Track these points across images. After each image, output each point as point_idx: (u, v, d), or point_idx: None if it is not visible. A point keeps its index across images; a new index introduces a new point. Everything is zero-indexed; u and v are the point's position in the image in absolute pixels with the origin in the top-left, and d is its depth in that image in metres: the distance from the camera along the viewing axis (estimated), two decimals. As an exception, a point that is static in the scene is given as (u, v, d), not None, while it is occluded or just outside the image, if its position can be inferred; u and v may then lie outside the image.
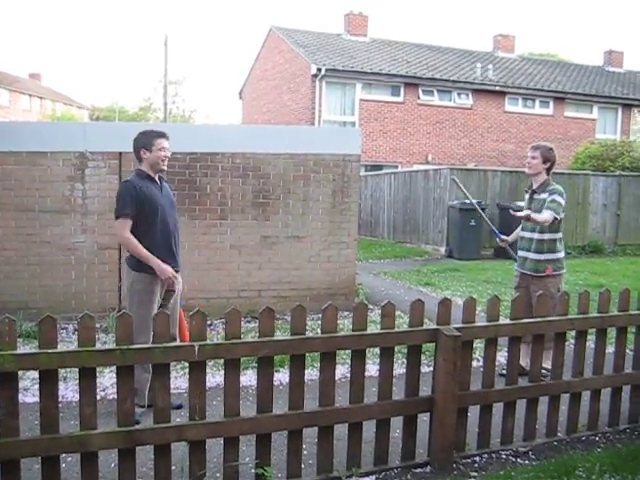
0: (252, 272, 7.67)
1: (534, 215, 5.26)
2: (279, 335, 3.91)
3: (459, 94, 23.58)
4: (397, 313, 3.90)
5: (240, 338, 3.32)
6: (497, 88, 23.72)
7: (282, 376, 5.23)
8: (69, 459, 3.61)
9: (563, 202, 5.39)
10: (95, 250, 7.27)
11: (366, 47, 24.85)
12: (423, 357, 4.35)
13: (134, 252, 4.48)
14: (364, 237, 16.91)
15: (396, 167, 21.81)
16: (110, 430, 3.16)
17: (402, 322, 6.21)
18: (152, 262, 4.42)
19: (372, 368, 5.00)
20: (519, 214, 5.31)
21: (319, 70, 21.39)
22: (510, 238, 5.94)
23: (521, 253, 5.63)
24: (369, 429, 3.76)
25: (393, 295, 9.22)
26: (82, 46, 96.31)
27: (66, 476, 3.27)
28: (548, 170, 5.54)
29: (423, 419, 3.89)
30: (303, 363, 3.50)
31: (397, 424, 3.87)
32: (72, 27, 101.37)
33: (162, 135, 4.72)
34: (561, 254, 5.54)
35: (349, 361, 3.82)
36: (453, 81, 23.18)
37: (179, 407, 4.45)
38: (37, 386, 4.92)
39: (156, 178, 4.71)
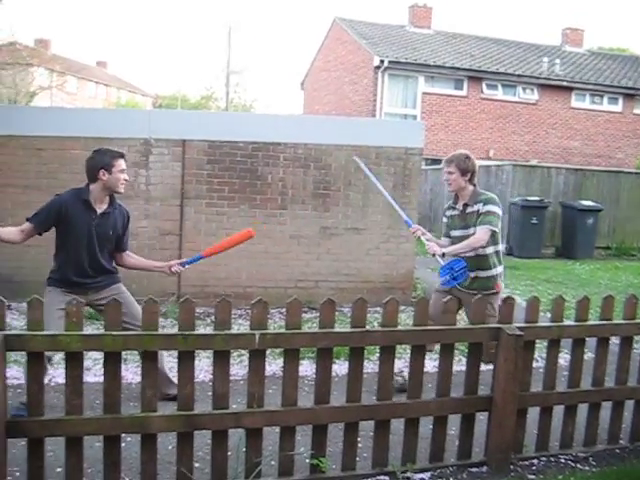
0: (310, 263, 7.68)
1: (460, 247, 4.75)
2: (337, 327, 3.89)
3: (524, 89, 23.10)
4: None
5: (300, 328, 3.32)
6: (564, 83, 23.14)
7: (338, 367, 5.23)
8: (128, 439, 3.68)
9: (500, 211, 4.88)
10: (157, 235, 7.40)
11: (430, 39, 24.57)
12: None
13: None
14: (422, 231, 16.73)
15: (457, 162, 21.52)
16: (170, 413, 3.21)
17: (459, 319, 6.13)
18: None
19: (429, 364, 4.95)
20: (430, 250, 4.81)
21: (382, 62, 21.26)
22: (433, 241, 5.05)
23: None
24: (425, 425, 3.73)
25: (451, 291, 9.09)
26: (147, 35, 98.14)
27: (125, 455, 3.33)
28: (471, 180, 4.95)
29: (480, 418, 3.84)
30: (362, 356, 3.49)
31: (453, 422, 3.83)
32: (138, 17, 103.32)
33: (122, 155, 4.41)
34: (501, 267, 5.04)
35: (406, 356, 3.81)
36: (518, 75, 22.71)
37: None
38: (98, 367, 5.08)
39: (98, 204, 4.33)
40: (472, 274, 4.88)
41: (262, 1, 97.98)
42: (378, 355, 3.62)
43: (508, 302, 3.76)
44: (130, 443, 3.67)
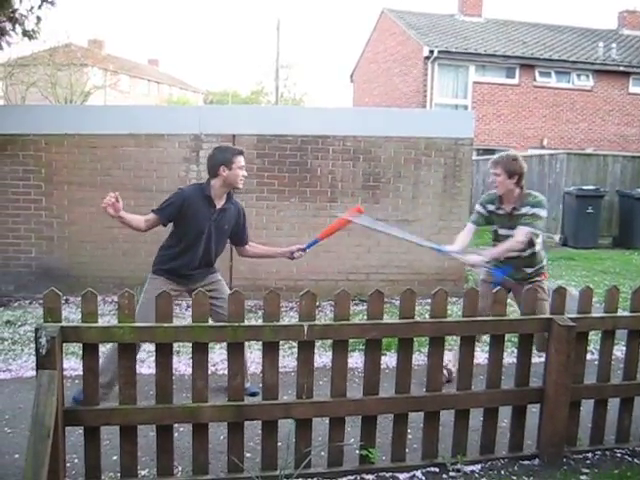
0: (361, 255, 7.68)
1: (499, 251, 4.64)
2: (387, 318, 3.90)
3: (578, 75, 22.56)
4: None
5: (349, 320, 3.33)
6: (621, 68, 22.51)
7: (387, 359, 5.23)
8: (181, 429, 3.75)
9: (545, 215, 4.73)
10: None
11: (480, 28, 24.20)
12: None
13: None
14: (474, 223, 16.54)
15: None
16: (221, 404, 3.27)
17: (512, 310, 6.05)
18: None
19: (479, 356, 4.90)
20: (470, 260, 4.67)
21: (431, 52, 21.05)
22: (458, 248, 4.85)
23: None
24: (475, 417, 3.70)
25: (503, 282, 8.97)
26: (197, 32, 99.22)
27: (177, 445, 3.39)
28: (518, 183, 4.75)
29: (532, 410, 3.78)
30: (411, 347, 3.48)
31: (504, 414, 3.78)
32: (188, 14, 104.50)
33: (241, 152, 4.55)
34: (546, 259, 5.03)
35: (456, 347, 3.79)
36: (572, 62, 22.19)
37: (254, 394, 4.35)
38: (151, 358, 5.18)
39: (217, 200, 4.46)
40: (524, 270, 4.84)
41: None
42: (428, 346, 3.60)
43: (560, 292, 3.70)
44: (182, 433, 3.74)
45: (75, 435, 3.54)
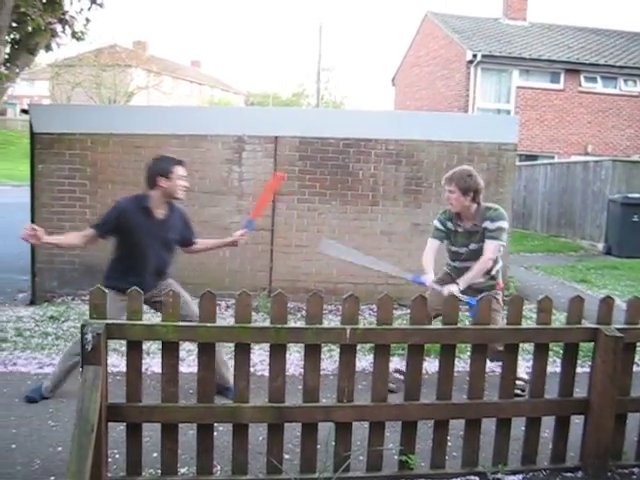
0: (401, 259, 7.63)
1: (473, 275, 4.52)
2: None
3: (626, 81, 22.11)
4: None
5: (391, 324, 3.31)
6: (670, 74, 22.01)
7: (428, 365, 5.18)
8: (220, 428, 3.77)
9: (506, 225, 4.65)
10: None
11: (525, 32, 23.89)
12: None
13: None
14: (516, 229, 16.36)
15: (552, 158, 20.88)
16: (261, 405, 3.27)
17: (554, 319, 5.96)
18: None
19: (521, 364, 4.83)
20: (445, 292, 4.33)
21: (474, 56, 20.85)
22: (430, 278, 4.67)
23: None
24: (516, 426, 3.65)
25: (545, 290, 8.85)
26: (240, 34, 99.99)
27: (217, 444, 3.40)
28: (474, 199, 4.63)
29: (575, 421, 3.71)
30: (453, 353, 3.44)
31: (546, 424, 3.72)
32: (231, 16, 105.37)
33: (180, 162, 4.46)
34: (499, 265, 4.88)
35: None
36: (620, 67, 21.76)
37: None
38: (192, 357, 5.22)
39: (157, 211, 4.41)
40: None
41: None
42: (469, 353, 3.56)
43: (607, 302, 3.62)
44: (222, 432, 3.75)
45: (116, 431, 3.59)
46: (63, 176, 7.60)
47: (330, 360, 5.43)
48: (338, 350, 5.33)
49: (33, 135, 7.62)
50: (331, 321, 6.65)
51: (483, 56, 20.87)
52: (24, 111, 8.04)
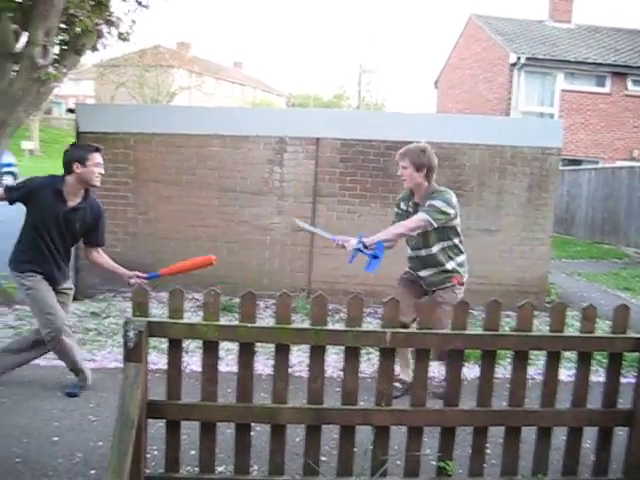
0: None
1: (381, 234, 4.44)
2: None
3: (674, 85, 21.65)
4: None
5: (430, 329, 3.28)
6: None
7: (467, 371, 5.13)
8: (257, 428, 3.78)
9: (447, 208, 4.51)
10: (289, 232, 7.55)
11: (570, 34, 23.52)
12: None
13: None
14: (558, 235, 16.13)
15: (596, 163, 20.53)
16: (299, 406, 3.26)
17: (596, 327, 5.84)
18: None
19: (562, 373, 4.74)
20: (347, 246, 4.38)
21: (518, 59, 20.62)
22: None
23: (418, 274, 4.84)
24: (556, 436, 3.58)
25: (588, 298, 8.70)
26: (282, 36, 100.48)
27: (254, 444, 3.40)
28: (427, 177, 4.61)
29: (619, 433, 3.63)
30: (494, 360, 3.39)
31: (588, 435, 3.64)
32: (274, 18, 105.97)
33: (97, 150, 4.48)
34: (459, 259, 4.84)
35: (537, 362, 3.70)
36: (668, 70, 21.30)
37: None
38: (230, 357, 5.25)
39: (71, 197, 4.45)
40: (420, 273, 4.77)
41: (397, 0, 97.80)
42: (510, 360, 3.51)
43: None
44: (259, 432, 3.76)
45: (155, 428, 3.63)
46: (106, 175, 7.62)
47: (367, 363, 5.41)
48: (376, 353, 5.38)
49: (78, 134, 7.75)
50: (369, 324, 6.62)
51: (527, 59, 20.61)
52: (70, 110, 8.21)
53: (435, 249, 4.70)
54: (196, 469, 3.38)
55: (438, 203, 4.51)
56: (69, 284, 4.75)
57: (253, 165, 7.59)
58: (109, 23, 7.81)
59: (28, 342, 4.71)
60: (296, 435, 3.71)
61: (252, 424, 3.32)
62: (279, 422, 3.23)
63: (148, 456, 3.38)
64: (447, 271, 4.77)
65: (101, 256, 4.73)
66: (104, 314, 6.72)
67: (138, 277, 4.51)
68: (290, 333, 3.13)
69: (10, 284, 7.20)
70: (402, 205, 4.83)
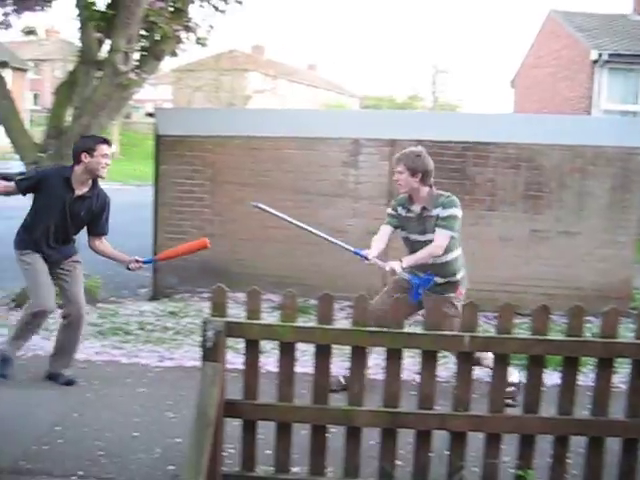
0: (519, 266, 7.42)
1: (420, 256, 4.46)
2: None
3: None
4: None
5: (511, 333, 3.20)
6: None
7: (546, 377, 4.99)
8: (332, 430, 3.77)
9: (460, 214, 4.57)
10: (364, 234, 7.49)
11: (656, 29, 22.62)
12: None
13: None
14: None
15: (683, 162, 19.67)
16: (376, 409, 3.24)
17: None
18: None
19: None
20: (387, 267, 4.52)
21: (600, 55, 19.93)
22: (374, 253, 4.65)
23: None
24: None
25: (675, 303, 8.33)
26: (355, 38, 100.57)
27: (329, 445, 3.40)
28: (423, 181, 4.55)
29: None
30: (576, 367, 3.29)
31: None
32: (347, 20, 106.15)
33: (105, 141, 4.68)
34: (463, 272, 4.76)
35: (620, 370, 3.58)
36: None
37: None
38: (305, 358, 5.27)
39: (78, 186, 4.66)
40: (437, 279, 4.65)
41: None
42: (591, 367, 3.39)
43: None
44: (333, 434, 3.75)
45: (231, 426, 3.67)
46: (184, 177, 7.88)
47: (442, 367, 5.32)
48: (452, 357, 5.29)
49: (158, 137, 7.95)
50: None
51: (609, 55, 19.91)
52: (150, 114, 8.44)
53: (449, 257, 4.66)
54: (271, 469, 3.40)
55: (457, 212, 4.59)
56: (73, 259, 4.94)
57: (328, 167, 7.61)
58: (187, 29, 7.97)
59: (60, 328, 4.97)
60: (371, 438, 3.69)
61: (328, 426, 3.32)
62: (355, 424, 3.22)
63: (224, 454, 3.42)
64: (456, 280, 4.75)
65: (103, 244, 4.93)
66: (182, 313, 6.86)
67: (137, 261, 4.78)
68: (367, 336, 3.12)
69: (93, 282, 7.46)
70: (399, 210, 4.77)
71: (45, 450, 3.77)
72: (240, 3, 8.38)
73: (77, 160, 4.64)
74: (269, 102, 46.80)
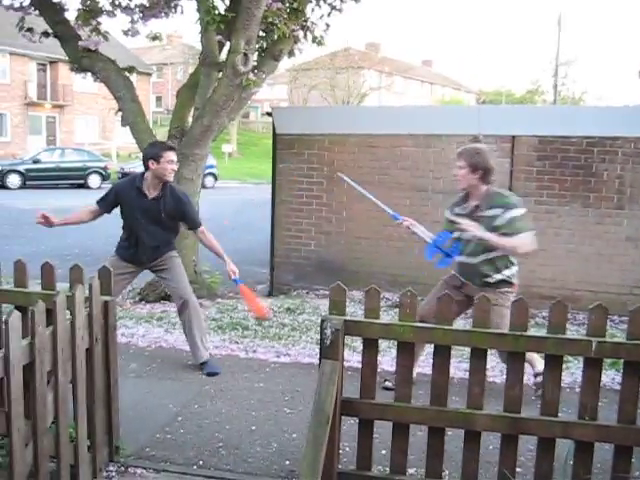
0: (649, 268, 7.01)
1: (496, 240, 4.20)
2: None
3: None
4: None
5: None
6: None
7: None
8: (449, 432, 3.70)
9: (524, 212, 4.30)
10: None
11: None
12: None
13: None
14: None
15: None
16: (496, 413, 3.14)
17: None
18: None
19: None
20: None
21: None
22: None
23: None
24: None
25: None
26: (472, 32, 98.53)
27: (445, 448, 3.33)
28: (483, 179, 4.32)
29: None
30: None
31: None
32: (463, 14, 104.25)
33: (171, 148, 4.94)
34: (515, 268, 4.47)
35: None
36: None
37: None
38: (420, 358, 5.20)
39: (150, 190, 4.90)
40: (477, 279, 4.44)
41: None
42: None
43: None
44: (450, 437, 3.69)
45: (347, 424, 3.68)
46: (302, 175, 7.98)
47: (565, 372, 5.12)
48: (575, 363, 5.08)
49: (275, 136, 8.09)
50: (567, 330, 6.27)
51: None
52: (268, 114, 8.58)
53: (493, 255, 4.39)
54: (387, 469, 3.38)
55: (520, 211, 4.32)
56: (166, 255, 5.12)
57: (446, 165, 7.46)
58: (304, 28, 8.06)
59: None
60: (489, 443, 3.59)
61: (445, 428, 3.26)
62: (474, 428, 3.14)
63: (340, 452, 3.43)
64: (504, 279, 4.46)
65: (206, 238, 5.10)
66: (298, 310, 6.95)
67: (232, 271, 5.00)
68: (488, 338, 3.03)
69: (214, 278, 7.70)
70: (456, 209, 4.59)
71: (168, 439, 3.92)
72: (357, 1, 8.38)
73: (146, 167, 4.89)
74: (385, 99, 46.72)
